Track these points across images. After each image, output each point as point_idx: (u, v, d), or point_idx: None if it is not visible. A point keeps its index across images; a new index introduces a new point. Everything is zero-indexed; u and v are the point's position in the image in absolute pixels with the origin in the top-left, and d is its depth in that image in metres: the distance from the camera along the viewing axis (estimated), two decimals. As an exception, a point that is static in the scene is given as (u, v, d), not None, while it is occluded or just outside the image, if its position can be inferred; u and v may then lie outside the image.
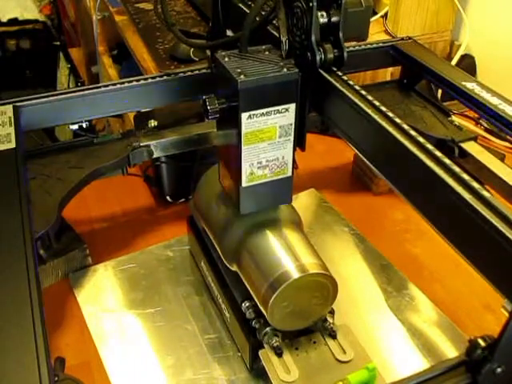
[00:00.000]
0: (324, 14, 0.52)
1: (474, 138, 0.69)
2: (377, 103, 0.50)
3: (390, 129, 0.47)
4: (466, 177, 0.42)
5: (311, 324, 0.57)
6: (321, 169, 0.94)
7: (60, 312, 0.68)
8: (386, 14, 1.09)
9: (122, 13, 1.35)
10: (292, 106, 0.51)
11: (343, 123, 0.54)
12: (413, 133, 0.46)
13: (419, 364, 0.62)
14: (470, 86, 0.67)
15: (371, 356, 0.56)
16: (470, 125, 0.98)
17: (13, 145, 0.62)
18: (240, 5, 0.65)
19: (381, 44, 0.78)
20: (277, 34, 0.55)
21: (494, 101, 0.64)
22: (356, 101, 0.50)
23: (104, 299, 0.69)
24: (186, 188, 0.80)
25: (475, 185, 0.41)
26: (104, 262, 0.74)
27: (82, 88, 0.71)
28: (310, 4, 0.50)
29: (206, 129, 0.74)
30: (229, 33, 0.70)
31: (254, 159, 0.53)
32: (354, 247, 0.77)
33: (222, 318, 0.65)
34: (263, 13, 0.56)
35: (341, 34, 0.53)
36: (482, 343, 0.42)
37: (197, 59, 1.05)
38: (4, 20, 2.72)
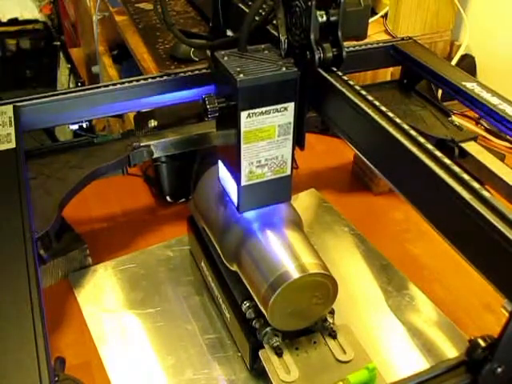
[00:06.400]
0: (323, 13, 0.52)
1: (474, 138, 0.69)
2: (377, 103, 0.50)
3: (390, 129, 0.47)
4: (466, 177, 0.42)
5: (311, 324, 0.57)
6: (321, 169, 0.94)
7: (60, 312, 0.68)
8: (386, 14, 1.09)
9: (122, 13, 1.35)
10: (291, 105, 0.51)
11: (343, 123, 0.54)
12: (413, 133, 0.46)
13: (419, 364, 0.62)
14: (470, 85, 0.67)
15: (371, 356, 0.56)
16: (470, 125, 0.98)
17: (13, 145, 0.62)
18: (240, 5, 0.65)
19: (381, 44, 0.78)
20: (276, 34, 0.55)
21: (494, 101, 0.63)
22: (356, 101, 0.50)
23: (104, 299, 0.69)
24: (186, 188, 0.80)
25: (475, 185, 0.41)
26: (104, 262, 0.74)
27: (82, 88, 0.71)
28: (309, 3, 0.50)
29: (206, 129, 0.74)
30: (229, 33, 0.70)
31: (253, 158, 0.53)
32: (354, 247, 0.77)
33: (222, 318, 0.65)
34: (262, 12, 0.56)
35: (340, 33, 0.53)
36: (482, 343, 0.42)
37: (197, 59, 1.05)
38: (4, 20, 2.72)
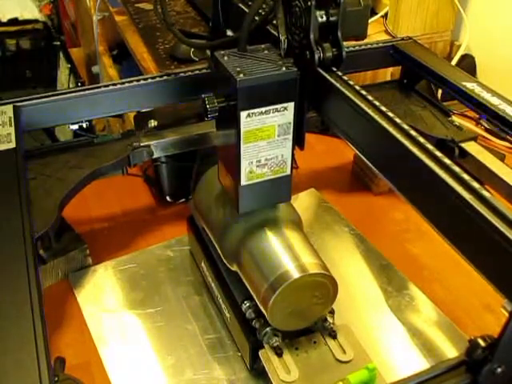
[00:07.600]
0: (323, 13, 0.52)
1: (474, 138, 0.69)
2: (377, 103, 0.50)
3: (390, 129, 0.47)
4: (466, 177, 0.42)
5: (311, 324, 0.57)
6: (321, 169, 0.94)
7: (60, 312, 0.68)
8: (386, 14, 1.09)
9: (122, 13, 1.35)
10: (291, 105, 0.51)
11: (343, 123, 0.54)
12: (413, 133, 0.46)
13: (419, 364, 0.62)
14: (470, 85, 0.67)
15: (371, 356, 0.56)
16: (470, 125, 0.98)
17: (13, 145, 0.62)
18: (240, 5, 0.65)
19: (381, 44, 0.78)
20: (276, 34, 0.55)
21: (494, 101, 0.63)
22: (356, 101, 0.50)
23: (104, 299, 0.69)
24: (186, 188, 0.80)
25: (475, 185, 0.41)
26: (104, 261, 0.74)
27: (82, 88, 0.71)
28: (309, 3, 0.50)
29: (206, 129, 0.74)
30: (229, 33, 0.70)
31: (253, 158, 0.53)
32: (354, 247, 0.77)
33: (222, 318, 0.65)
34: (262, 12, 0.56)
35: (339, 33, 0.53)
36: (482, 343, 0.42)
37: (197, 59, 1.05)
38: (4, 20, 2.72)
